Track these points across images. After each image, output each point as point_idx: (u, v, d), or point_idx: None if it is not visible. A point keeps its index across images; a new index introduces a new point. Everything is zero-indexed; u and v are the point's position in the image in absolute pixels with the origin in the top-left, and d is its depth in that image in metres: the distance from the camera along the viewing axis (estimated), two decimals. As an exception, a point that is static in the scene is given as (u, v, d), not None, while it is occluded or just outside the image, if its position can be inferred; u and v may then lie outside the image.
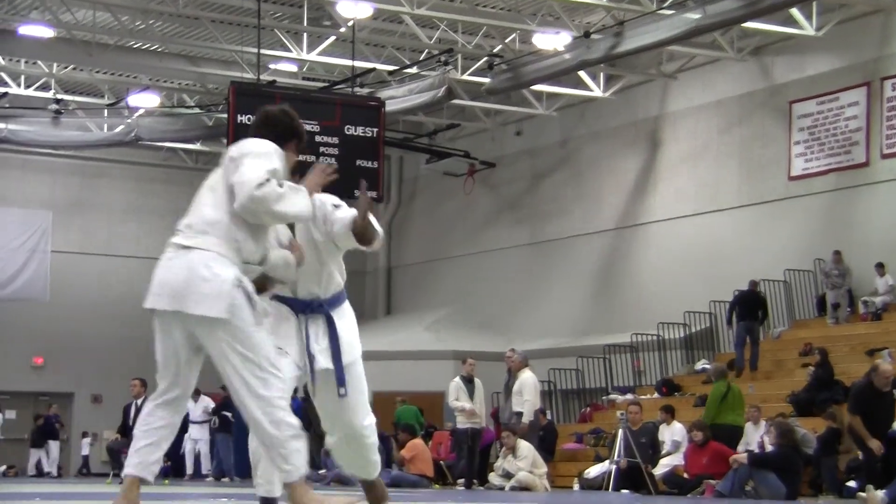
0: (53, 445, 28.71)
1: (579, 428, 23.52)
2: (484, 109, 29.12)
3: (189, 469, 25.04)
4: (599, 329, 26.37)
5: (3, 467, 28.74)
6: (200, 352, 5.73)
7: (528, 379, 18.86)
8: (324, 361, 6.23)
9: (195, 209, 5.74)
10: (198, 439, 25.14)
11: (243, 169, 5.62)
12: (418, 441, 21.63)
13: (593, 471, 19.33)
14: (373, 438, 6.66)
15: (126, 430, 21.32)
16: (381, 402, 26.42)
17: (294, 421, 5.69)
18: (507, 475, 18.83)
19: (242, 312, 5.52)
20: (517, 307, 29.10)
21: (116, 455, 21.38)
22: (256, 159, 5.66)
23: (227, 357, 5.58)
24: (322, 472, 22.57)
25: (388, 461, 22.71)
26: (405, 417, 23.81)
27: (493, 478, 19.34)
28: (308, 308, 6.23)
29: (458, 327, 29.20)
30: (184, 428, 24.93)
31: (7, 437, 28.66)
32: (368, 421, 6.57)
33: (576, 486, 19.62)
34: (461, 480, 20.36)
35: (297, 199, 5.68)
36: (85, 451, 30.26)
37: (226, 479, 24.23)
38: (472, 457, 20.03)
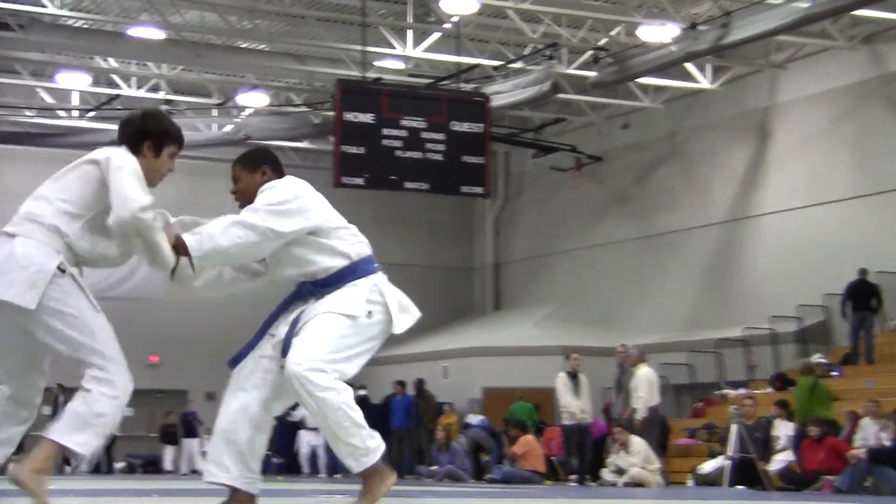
0: (188, 443, 28.89)
1: (692, 423, 23.28)
2: (590, 103, 28.94)
3: (305, 468, 25.21)
4: (710, 323, 26.07)
5: (122, 464, 29.23)
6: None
7: (642, 374, 18.71)
8: (281, 332, 6.07)
9: (29, 199, 5.69)
10: (314, 443, 25.31)
11: (125, 185, 5.56)
12: (530, 437, 21.56)
13: (707, 466, 19.13)
14: (310, 386, 5.73)
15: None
16: (492, 398, 26.48)
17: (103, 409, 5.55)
18: (620, 471, 18.69)
19: (69, 298, 5.44)
20: (626, 302, 28.90)
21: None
22: (138, 180, 5.63)
23: (51, 345, 5.46)
24: (434, 468, 22.61)
25: (499, 457, 22.71)
26: (518, 413, 23.80)
27: (606, 474, 19.21)
28: (302, 291, 6.13)
29: (567, 323, 29.07)
30: (298, 426, 25.30)
31: (125, 434, 29.11)
32: (307, 361, 5.72)
33: (690, 482, 19.41)
34: (573, 476, 20.26)
35: (166, 246, 5.73)
36: (205, 447, 30.60)
37: (338, 476, 24.38)
38: (582, 452, 19.94)
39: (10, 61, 26.59)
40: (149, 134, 5.84)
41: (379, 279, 6.09)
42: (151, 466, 29.22)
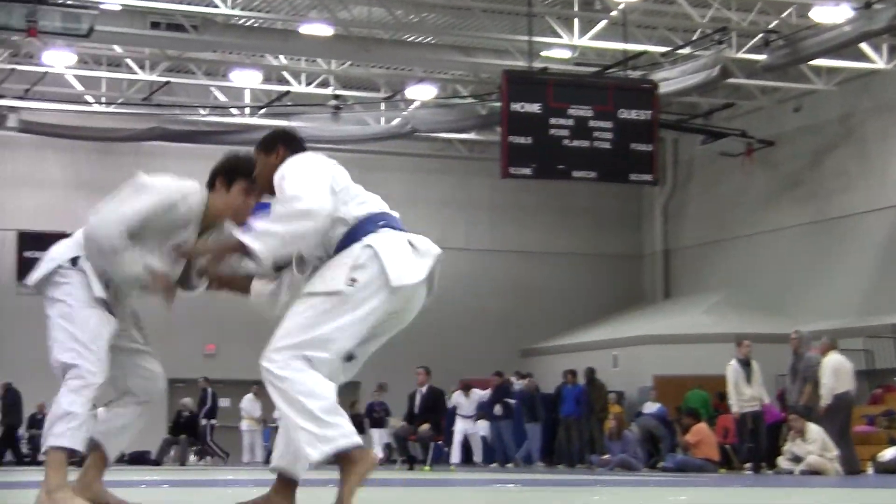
0: (376, 433, 29.18)
1: (870, 410, 22.78)
2: (760, 87, 28.47)
3: (455, 458, 25.14)
4: (888, 308, 25.44)
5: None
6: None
7: (827, 362, 18.37)
8: None
9: None
10: (468, 431, 25.32)
11: (127, 205, 5.94)
12: (703, 425, 21.35)
13: (888, 454, 18.70)
14: (275, 378, 5.28)
15: (412, 418, 21.81)
16: (663, 386, 26.26)
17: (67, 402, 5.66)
18: (796, 459, 18.38)
19: (68, 288, 5.78)
20: (799, 287, 28.37)
21: (403, 441, 21.87)
22: (143, 212, 5.91)
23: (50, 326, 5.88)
24: (605, 456, 22.55)
25: (672, 446, 22.55)
26: (692, 402, 23.61)
27: (782, 461, 18.91)
28: None
29: (738, 309, 28.67)
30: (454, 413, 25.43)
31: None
32: (267, 352, 5.35)
33: (870, 470, 19.00)
34: (748, 464, 20.00)
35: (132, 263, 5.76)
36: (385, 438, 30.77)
37: (510, 465, 24.47)
38: (757, 440, 19.65)
39: (185, 61, 27.27)
40: (220, 171, 6.15)
41: (375, 238, 5.52)
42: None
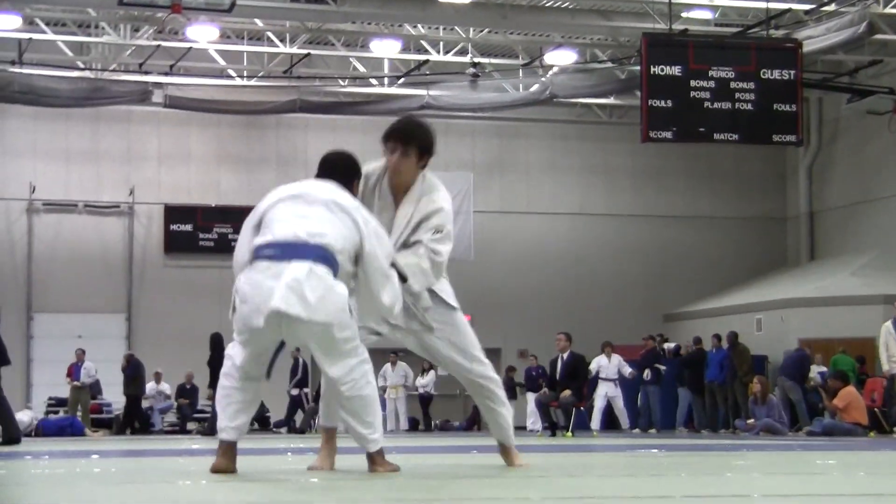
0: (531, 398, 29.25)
1: None
2: (908, 43, 27.74)
3: (596, 424, 25.05)
4: None
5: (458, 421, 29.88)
6: None
7: None
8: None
9: None
10: (610, 395, 25.17)
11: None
12: (851, 389, 20.99)
13: None
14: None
15: (552, 384, 21.82)
16: (814, 349, 25.80)
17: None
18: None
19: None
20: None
21: (545, 408, 21.87)
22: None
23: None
24: (750, 421, 22.32)
25: (820, 410, 22.22)
26: (840, 365, 23.21)
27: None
28: None
29: (887, 271, 28.03)
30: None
31: (440, 392, 29.89)
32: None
33: None
34: (899, 429, 19.63)
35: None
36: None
37: (652, 431, 24.35)
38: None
39: (324, 33, 27.50)
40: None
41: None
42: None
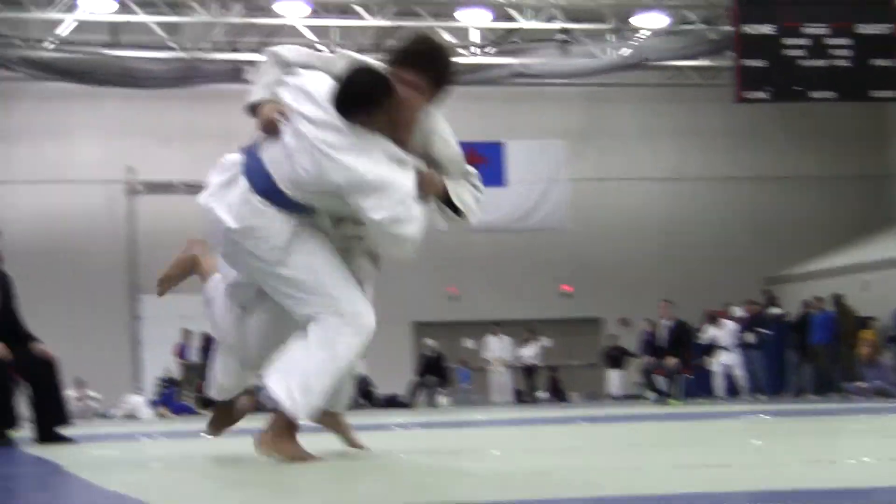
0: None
1: None
2: None
3: (720, 391, 24.93)
4: None
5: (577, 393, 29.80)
6: None
7: None
8: None
9: None
10: (727, 363, 25.03)
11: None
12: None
13: None
14: None
15: (654, 351, 21.67)
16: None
17: None
18: None
19: None
20: None
21: (649, 376, 21.75)
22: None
23: None
24: (861, 384, 21.98)
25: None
26: None
27: None
28: None
29: None
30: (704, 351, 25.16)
31: (548, 363, 29.85)
32: None
33: None
34: None
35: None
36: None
37: (762, 396, 24.08)
38: None
39: (412, 4, 27.45)
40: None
41: None
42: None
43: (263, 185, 5.43)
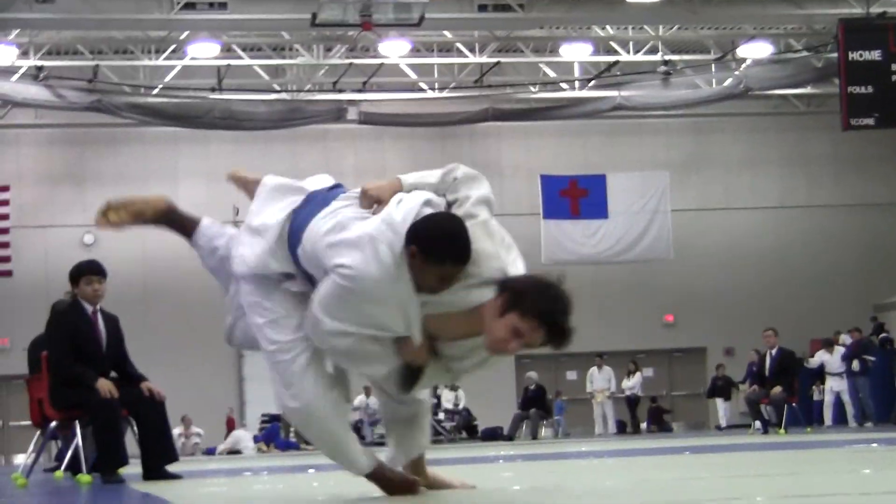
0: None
1: None
2: None
3: (829, 420, 24.65)
4: None
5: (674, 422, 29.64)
6: None
7: None
8: None
9: None
10: (837, 390, 24.72)
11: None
12: None
13: None
14: None
15: (761, 381, 21.39)
16: None
17: None
18: None
19: None
20: None
21: (755, 405, 21.47)
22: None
23: None
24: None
25: None
26: None
27: None
28: None
29: None
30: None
31: (647, 394, 29.66)
32: None
33: None
34: None
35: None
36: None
37: (868, 424, 23.66)
38: None
39: (513, 40, 27.58)
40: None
41: None
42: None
43: (293, 240, 5.10)
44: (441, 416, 27.92)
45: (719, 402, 28.73)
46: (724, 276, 31.28)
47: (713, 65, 28.62)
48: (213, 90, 26.88)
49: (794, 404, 21.28)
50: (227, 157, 29.94)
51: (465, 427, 28.50)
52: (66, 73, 26.21)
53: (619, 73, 28.50)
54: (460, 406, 28.64)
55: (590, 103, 28.61)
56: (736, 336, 30.13)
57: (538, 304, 4.60)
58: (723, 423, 28.26)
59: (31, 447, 11.66)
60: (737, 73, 28.41)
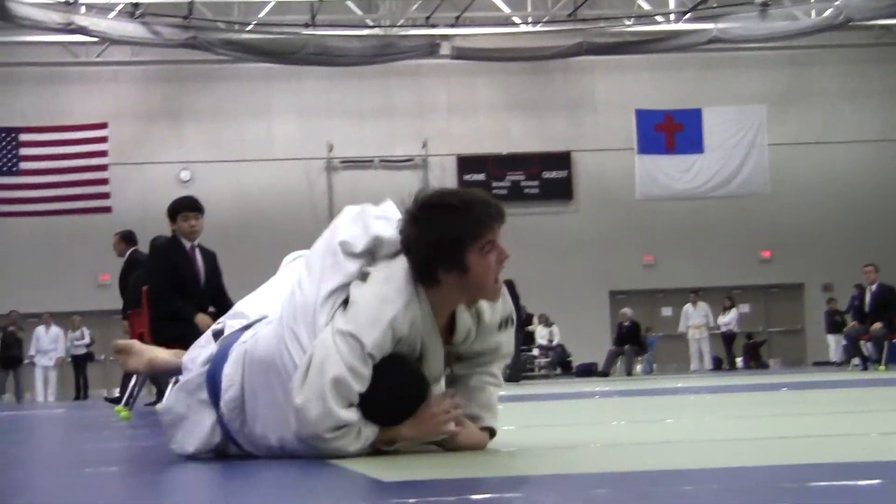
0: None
1: None
2: None
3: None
4: None
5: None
6: None
7: None
8: None
9: None
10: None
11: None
12: None
13: None
14: None
15: (861, 317, 21.11)
16: None
17: None
18: None
19: None
20: None
21: (855, 341, 21.22)
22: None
23: None
24: None
25: None
26: None
27: None
28: None
29: None
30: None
31: (743, 330, 29.41)
32: None
33: None
34: None
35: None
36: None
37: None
38: None
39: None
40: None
41: None
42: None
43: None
44: (535, 352, 27.96)
45: (831, 337, 28.30)
46: (822, 211, 30.85)
47: (813, -5, 28.07)
48: (306, 26, 26.92)
49: (894, 341, 20.99)
50: (321, 93, 30.07)
51: (559, 363, 28.51)
52: (161, 10, 26.40)
53: (715, 4, 28.05)
54: (554, 342, 28.66)
55: (685, 36, 28.20)
56: (834, 272, 29.75)
57: (479, 216, 4.02)
58: (838, 358, 27.87)
59: (132, 381, 11.86)
60: (836, 3, 27.81)
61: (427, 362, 4.08)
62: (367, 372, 3.91)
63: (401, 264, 4.08)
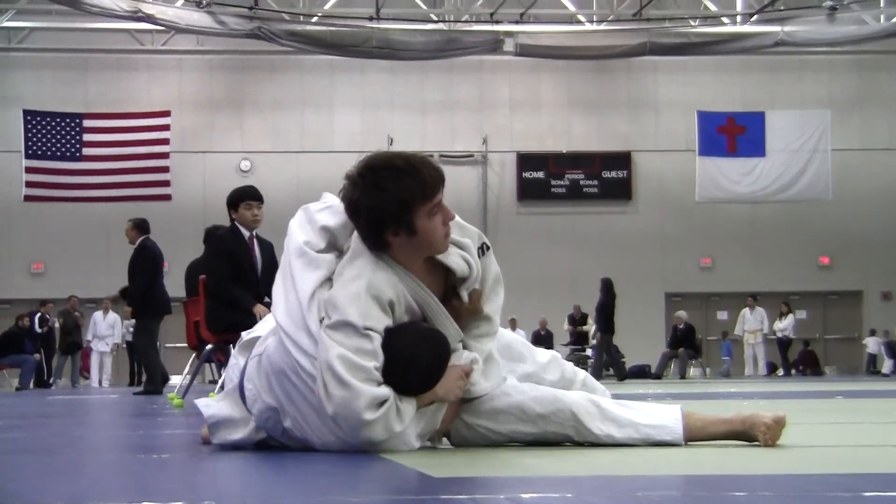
0: None
1: None
2: None
3: None
4: None
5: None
6: None
7: None
8: None
9: None
10: None
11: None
12: None
13: None
14: None
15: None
16: None
17: None
18: None
19: None
20: None
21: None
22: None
23: None
24: None
25: None
26: None
27: None
28: None
29: None
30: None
31: (799, 336, 29.21)
32: None
33: None
34: None
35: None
36: (873, 348, 29.79)
37: None
38: None
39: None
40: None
41: None
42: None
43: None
44: (589, 352, 27.86)
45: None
46: (883, 219, 30.54)
47: (882, 0, 27.77)
48: (370, 19, 26.97)
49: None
50: (383, 86, 30.13)
51: (612, 364, 28.40)
52: (227, 0, 26.55)
53: (782, 7, 27.83)
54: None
55: (751, 38, 27.99)
56: (894, 281, 29.46)
57: (426, 178, 4.02)
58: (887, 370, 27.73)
59: (187, 369, 11.96)
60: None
61: (433, 322, 4.08)
62: (371, 346, 3.91)
63: (355, 245, 4.12)
